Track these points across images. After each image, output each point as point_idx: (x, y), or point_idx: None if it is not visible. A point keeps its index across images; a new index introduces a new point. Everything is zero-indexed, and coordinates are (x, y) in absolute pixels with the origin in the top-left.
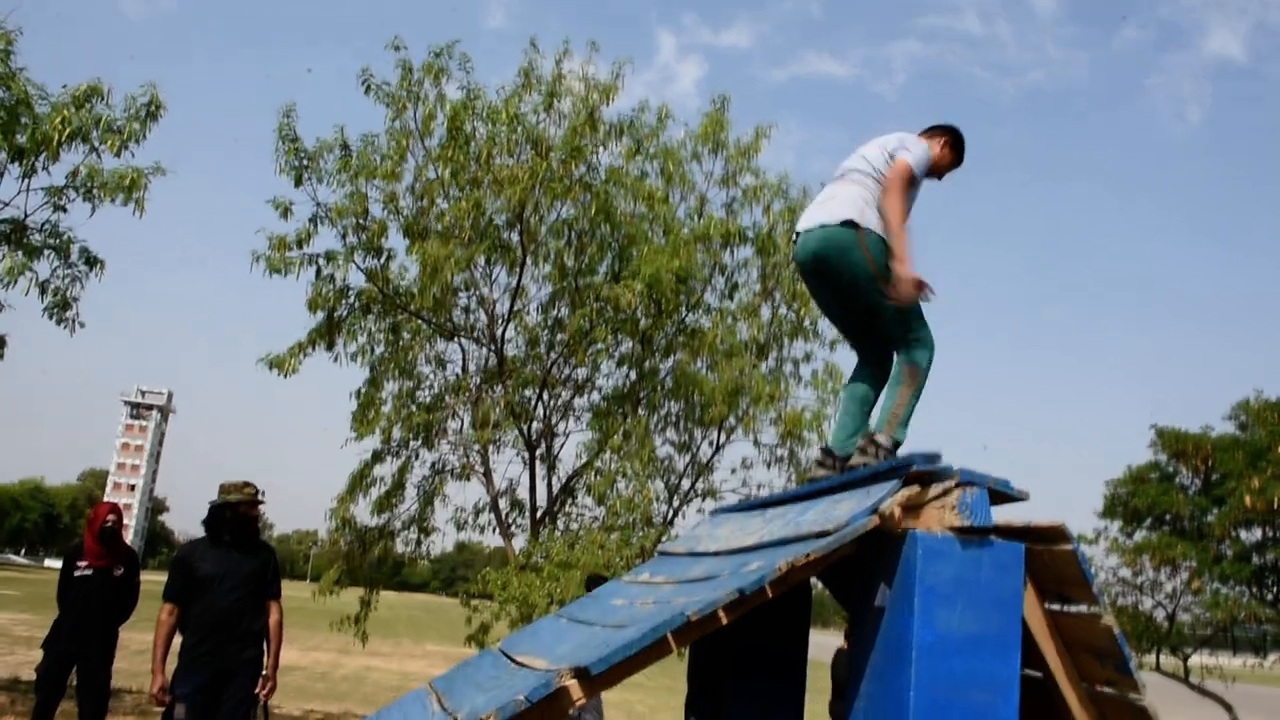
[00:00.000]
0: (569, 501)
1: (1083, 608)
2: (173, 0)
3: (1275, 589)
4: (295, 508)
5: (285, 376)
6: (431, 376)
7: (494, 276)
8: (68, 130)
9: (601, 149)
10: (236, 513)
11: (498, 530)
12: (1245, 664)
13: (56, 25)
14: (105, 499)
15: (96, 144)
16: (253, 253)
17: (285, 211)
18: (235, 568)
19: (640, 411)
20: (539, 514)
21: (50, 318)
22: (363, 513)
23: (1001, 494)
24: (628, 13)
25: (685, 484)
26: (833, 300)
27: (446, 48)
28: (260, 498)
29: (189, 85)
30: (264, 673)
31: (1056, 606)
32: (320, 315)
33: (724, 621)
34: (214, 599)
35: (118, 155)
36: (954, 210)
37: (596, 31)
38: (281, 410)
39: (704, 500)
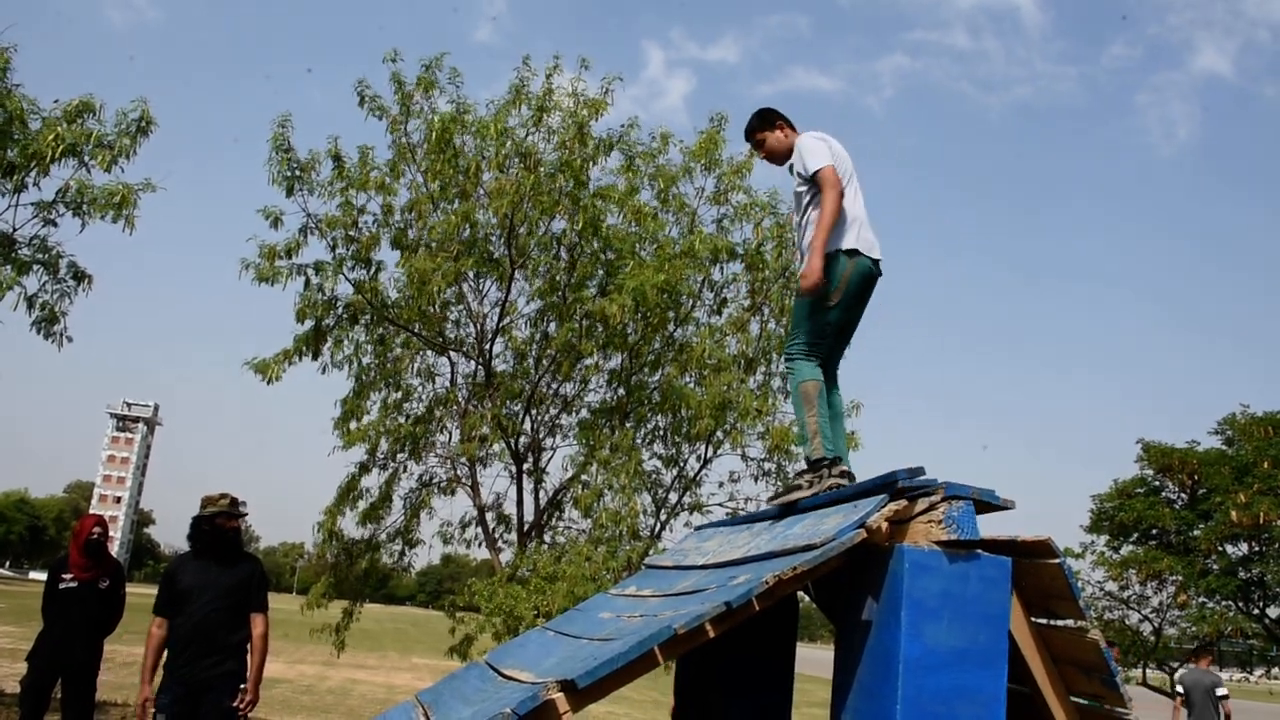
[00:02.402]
0: (556, 515)
1: (1069, 622)
2: (159, 10)
3: (1262, 604)
4: (281, 520)
5: (270, 383)
6: (420, 389)
7: (483, 290)
8: (60, 147)
9: (591, 164)
10: (214, 525)
11: (484, 544)
12: (1232, 678)
13: (43, 33)
14: (91, 511)
15: (87, 159)
16: (242, 260)
17: (276, 221)
18: (214, 580)
19: (627, 425)
20: (526, 527)
21: (38, 331)
22: (349, 525)
23: (987, 503)
24: (615, 27)
25: (672, 497)
26: (858, 318)
27: (435, 60)
28: (238, 509)
29: (177, 95)
30: (243, 685)
31: (1043, 621)
32: (308, 324)
33: (711, 635)
34: (193, 612)
35: (108, 171)
36: (940, 221)
37: (583, 45)
38: (268, 424)
39: (691, 514)
